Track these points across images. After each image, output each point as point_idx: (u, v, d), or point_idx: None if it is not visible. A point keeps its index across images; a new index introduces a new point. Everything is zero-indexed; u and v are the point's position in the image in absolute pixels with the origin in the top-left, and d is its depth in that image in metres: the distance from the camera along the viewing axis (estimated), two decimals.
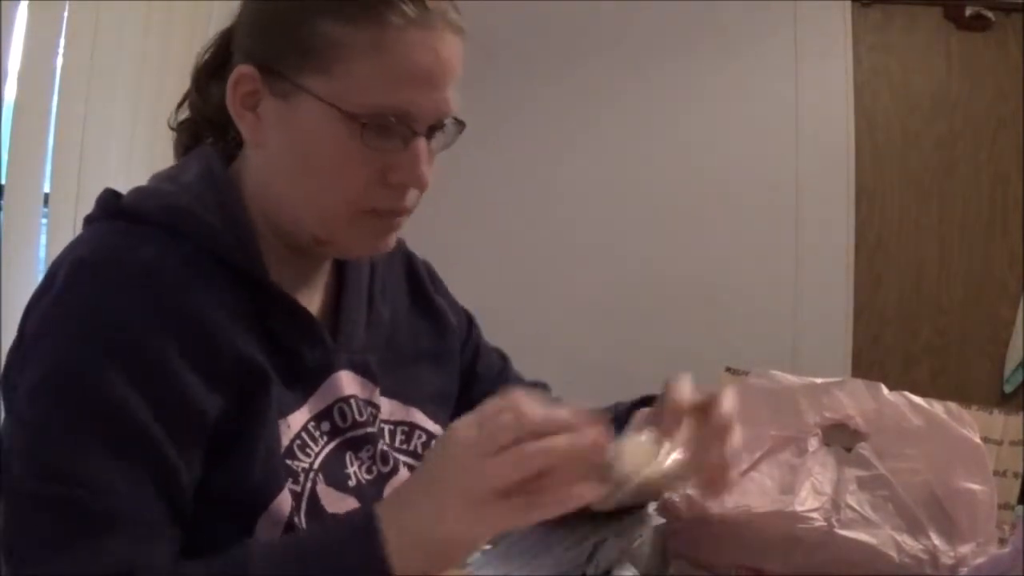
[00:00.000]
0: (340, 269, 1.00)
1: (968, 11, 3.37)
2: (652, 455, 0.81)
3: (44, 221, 1.93)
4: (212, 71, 0.97)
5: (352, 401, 0.94)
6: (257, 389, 0.85)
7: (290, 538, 0.81)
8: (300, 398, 0.90)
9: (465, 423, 0.76)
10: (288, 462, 0.86)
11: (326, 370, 0.93)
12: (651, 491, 0.87)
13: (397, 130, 0.85)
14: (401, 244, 1.12)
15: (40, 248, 1.92)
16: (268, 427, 0.85)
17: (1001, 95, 3.39)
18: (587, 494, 0.74)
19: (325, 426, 0.91)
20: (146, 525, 0.78)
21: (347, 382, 0.94)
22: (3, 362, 1.55)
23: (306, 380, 0.91)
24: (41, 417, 0.78)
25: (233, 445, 0.83)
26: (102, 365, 0.78)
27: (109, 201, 0.91)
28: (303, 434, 0.89)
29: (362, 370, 0.96)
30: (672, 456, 0.83)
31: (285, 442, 0.86)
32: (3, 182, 1.80)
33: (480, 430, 0.74)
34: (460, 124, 0.91)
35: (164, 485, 0.79)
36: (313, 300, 0.96)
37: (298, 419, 0.89)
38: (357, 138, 0.84)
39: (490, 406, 0.75)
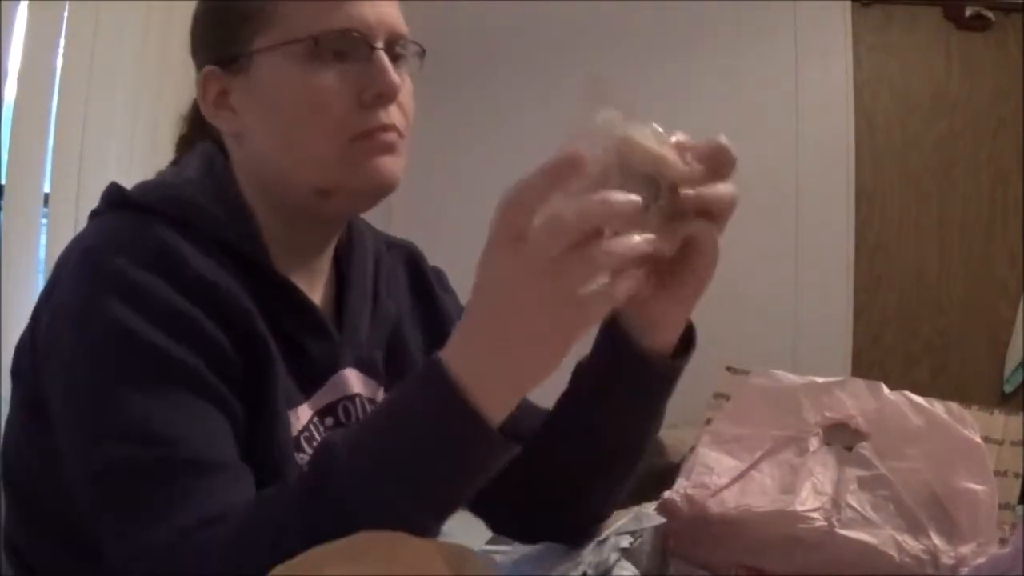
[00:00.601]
0: (342, 264, 1.00)
1: (968, 11, 3.37)
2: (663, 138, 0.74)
3: (44, 221, 1.93)
4: (191, 139, 0.99)
5: (357, 400, 0.94)
6: (268, 370, 0.85)
7: (366, 424, 0.77)
8: (304, 392, 0.90)
9: (502, 250, 0.68)
10: (297, 455, 0.86)
11: (332, 366, 0.93)
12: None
13: (354, 48, 0.87)
14: (408, 245, 1.11)
15: (40, 248, 1.92)
16: (280, 412, 0.85)
17: (1001, 95, 3.40)
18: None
19: (328, 422, 0.91)
20: (230, 467, 0.77)
21: (353, 380, 0.94)
22: (3, 357, 1.55)
23: (311, 375, 0.91)
24: (101, 388, 0.77)
25: (252, 422, 0.83)
26: (146, 326, 0.77)
27: (114, 195, 0.91)
28: (310, 427, 0.89)
29: (368, 368, 0.96)
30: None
31: (292, 433, 0.87)
32: (3, 182, 1.80)
33: (521, 248, 0.67)
34: (420, 50, 0.93)
35: (232, 427, 0.80)
36: (316, 294, 0.96)
37: (304, 412, 0.89)
38: (318, 64, 0.86)
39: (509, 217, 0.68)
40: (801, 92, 3.38)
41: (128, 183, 0.94)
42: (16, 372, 0.89)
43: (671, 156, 0.73)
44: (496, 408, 0.71)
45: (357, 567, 0.57)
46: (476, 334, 0.71)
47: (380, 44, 0.88)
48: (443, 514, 0.74)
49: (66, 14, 1.94)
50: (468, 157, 3.32)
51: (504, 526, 1.04)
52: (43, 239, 1.93)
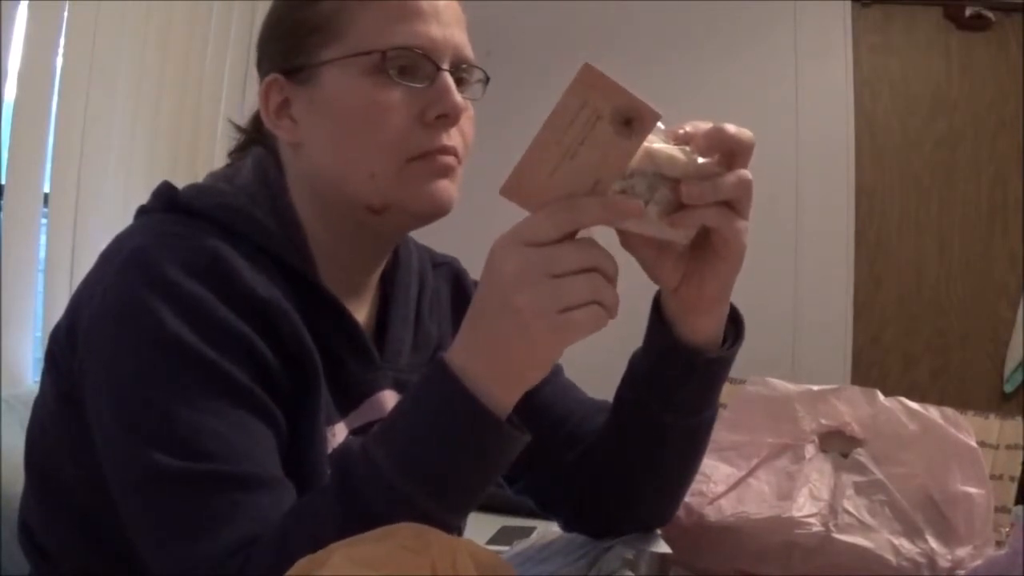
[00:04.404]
0: (387, 285, 1.00)
1: (968, 11, 3.37)
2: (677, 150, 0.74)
3: (44, 221, 1.92)
4: (246, 146, 0.99)
5: None
6: (313, 386, 0.85)
7: (379, 427, 0.78)
8: (341, 411, 0.90)
9: (505, 255, 0.71)
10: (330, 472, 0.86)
11: (370, 388, 0.93)
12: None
13: (420, 67, 0.87)
14: (452, 262, 1.11)
15: (40, 248, 1.92)
16: (319, 428, 0.85)
17: (1001, 95, 3.39)
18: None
19: None
20: (276, 482, 0.78)
21: (390, 402, 0.94)
22: (3, 357, 1.54)
23: (349, 393, 0.91)
24: (149, 395, 0.77)
25: (291, 435, 0.83)
26: (195, 337, 0.78)
27: (166, 194, 0.91)
28: None
29: (405, 390, 0.96)
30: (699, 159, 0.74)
31: (328, 450, 0.87)
32: (3, 182, 1.80)
33: (527, 257, 0.70)
34: (484, 76, 0.93)
35: (277, 442, 0.80)
36: (361, 312, 0.96)
37: (341, 430, 0.90)
38: (383, 79, 0.86)
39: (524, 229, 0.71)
40: (801, 92, 3.38)
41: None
42: (51, 358, 0.89)
43: (665, 150, 0.73)
44: (498, 397, 0.72)
45: (379, 547, 0.57)
46: (475, 328, 0.74)
47: (446, 65, 0.88)
48: (458, 506, 0.75)
49: (66, 14, 1.93)
50: (469, 156, 3.30)
51: (575, 522, 1.04)
52: (43, 239, 1.93)
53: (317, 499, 0.75)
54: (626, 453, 0.94)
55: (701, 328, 0.86)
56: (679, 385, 0.88)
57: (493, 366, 0.73)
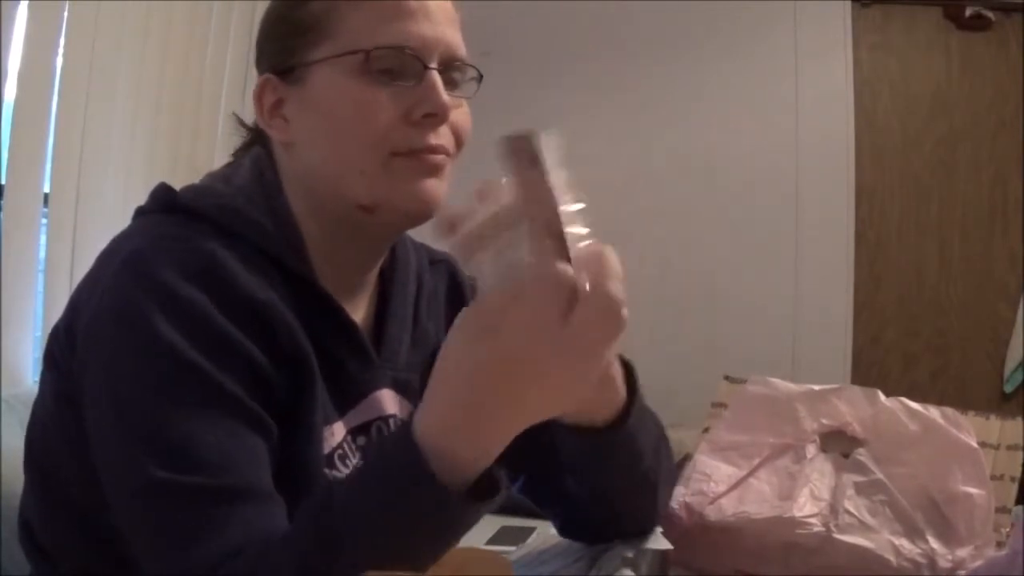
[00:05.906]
0: (385, 284, 1.00)
1: (968, 11, 3.37)
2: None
3: (44, 221, 1.92)
4: (250, 146, 0.99)
5: (391, 421, 0.94)
6: (309, 387, 0.85)
7: (349, 477, 0.78)
8: (339, 410, 0.90)
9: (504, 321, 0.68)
10: (329, 472, 0.86)
11: (368, 386, 0.93)
12: None
13: (408, 66, 0.87)
14: (448, 260, 1.11)
15: (40, 248, 1.92)
16: (316, 429, 0.85)
17: (1001, 95, 3.39)
18: None
19: (361, 440, 0.91)
20: (265, 494, 0.78)
21: (388, 401, 0.94)
22: (3, 357, 1.54)
23: (347, 393, 0.91)
24: (142, 403, 0.77)
25: (288, 435, 0.83)
26: (188, 345, 0.78)
27: (164, 196, 0.91)
28: (344, 445, 0.89)
29: (404, 389, 0.96)
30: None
31: (326, 449, 0.87)
32: (3, 182, 1.80)
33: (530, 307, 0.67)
34: (477, 74, 0.93)
35: (268, 450, 0.80)
36: (358, 312, 0.96)
37: (339, 429, 0.90)
38: (371, 78, 0.86)
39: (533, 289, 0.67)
40: (801, 92, 3.38)
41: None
42: (50, 358, 0.89)
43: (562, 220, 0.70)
44: (469, 453, 0.70)
45: None
46: (445, 397, 0.70)
47: (434, 64, 0.88)
48: (418, 566, 0.73)
49: (66, 14, 1.93)
50: (470, 155, 3.30)
51: (566, 529, 1.04)
52: (43, 239, 1.93)
53: (297, 521, 0.74)
54: (585, 474, 0.93)
55: (601, 411, 0.85)
56: (590, 457, 0.88)
57: (474, 416, 0.69)
